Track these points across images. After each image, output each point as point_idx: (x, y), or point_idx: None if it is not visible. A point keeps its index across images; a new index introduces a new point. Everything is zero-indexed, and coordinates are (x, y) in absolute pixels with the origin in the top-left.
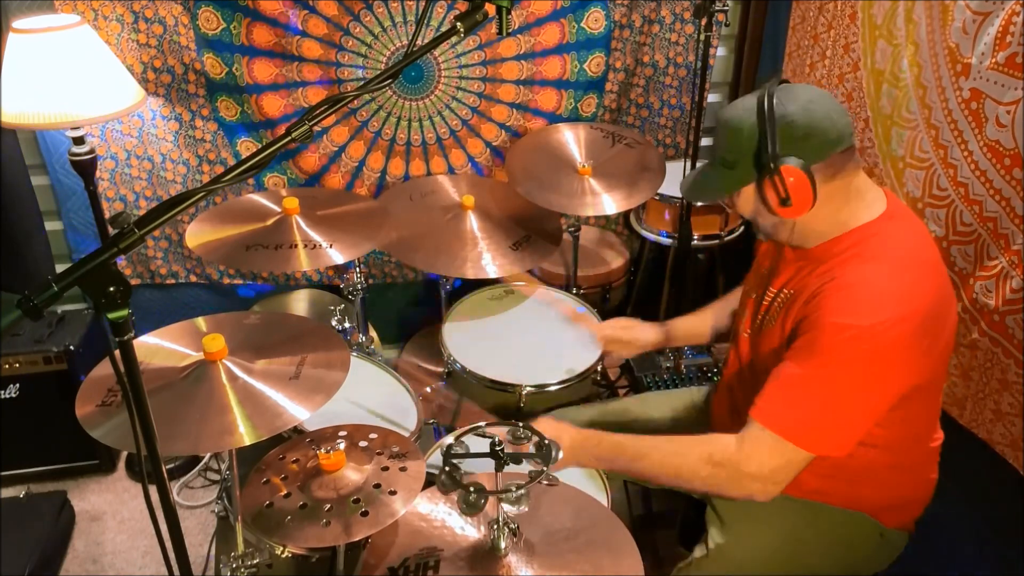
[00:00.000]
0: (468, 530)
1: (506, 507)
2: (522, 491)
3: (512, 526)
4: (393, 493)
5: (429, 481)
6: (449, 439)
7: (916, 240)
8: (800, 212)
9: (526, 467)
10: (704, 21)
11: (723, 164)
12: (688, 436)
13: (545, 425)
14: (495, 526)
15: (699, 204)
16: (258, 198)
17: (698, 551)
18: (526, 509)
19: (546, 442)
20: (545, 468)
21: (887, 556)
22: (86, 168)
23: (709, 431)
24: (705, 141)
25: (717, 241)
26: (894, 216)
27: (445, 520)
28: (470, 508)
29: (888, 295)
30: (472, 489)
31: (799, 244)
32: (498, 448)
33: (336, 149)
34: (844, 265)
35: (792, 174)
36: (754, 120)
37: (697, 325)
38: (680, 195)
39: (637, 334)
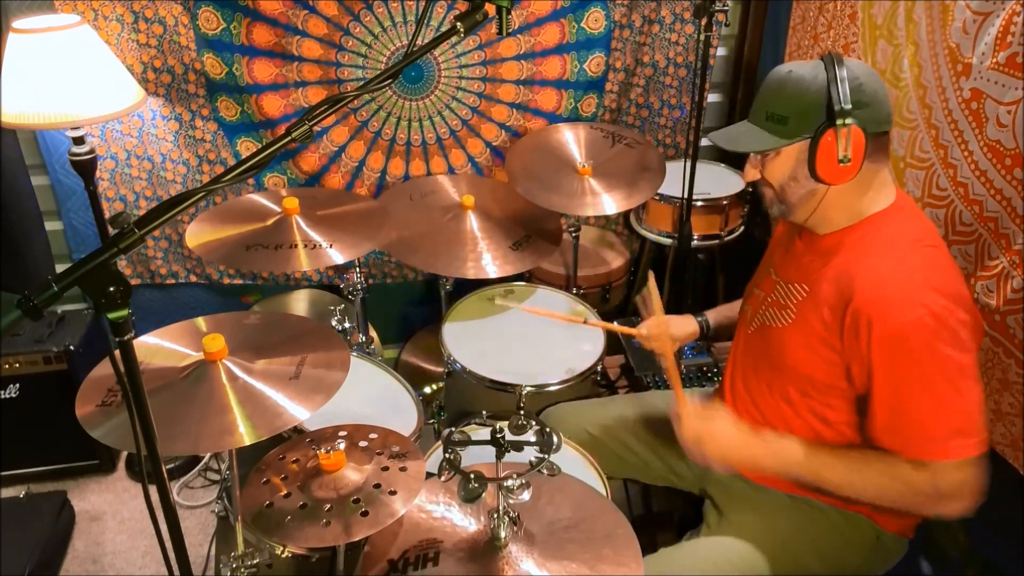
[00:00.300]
0: (468, 521)
1: (509, 499)
2: (522, 480)
3: (512, 515)
4: (393, 493)
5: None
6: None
7: (925, 230)
8: (844, 178)
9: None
10: (704, 21)
11: (771, 119)
12: (867, 454)
13: (698, 430)
14: (495, 516)
15: (698, 204)
16: (258, 198)
17: (689, 535)
18: (526, 499)
19: (547, 431)
20: (546, 457)
21: (883, 561)
22: (86, 168)
23: None
24: (705, 141)
25: (717, 241)
26: (903, 208)
27: (445, 512)
28: (470, 495)
29: (934, 275)
30: (472, 476)
31: (813, 228)
32: (499, 436)
33: (336, 149)
34: (868, 261)
35: (856, 134)
36: (823, 76)
37: (732, 313)
38: (720, 146)
39: (674, 330)
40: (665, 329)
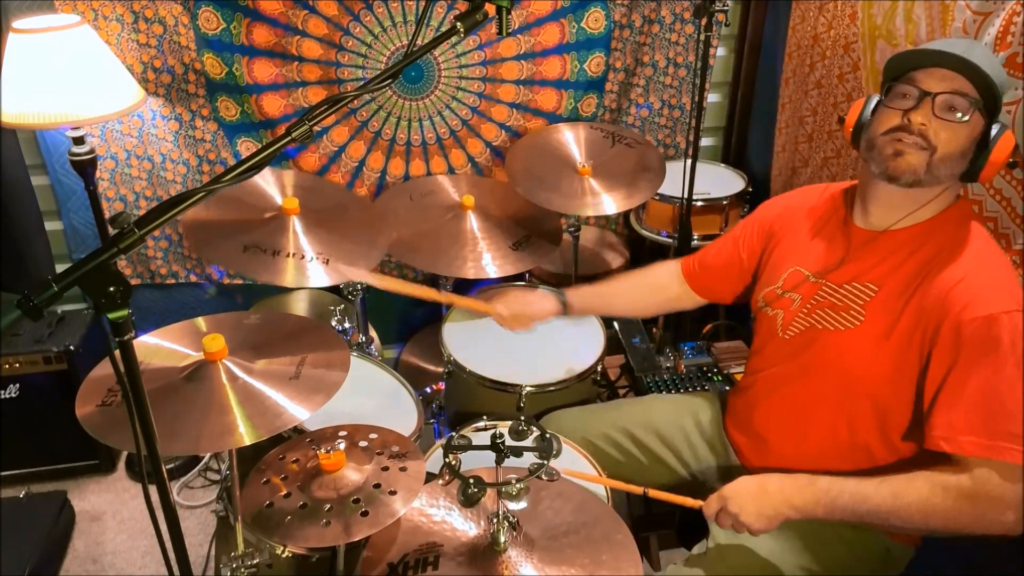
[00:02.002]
0: (468, 525)
1: (508, 504)
2: (521, 485)
3: (512, 520)
4: (393, 493)
5: (428, 480)
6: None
7: (983, 229)
8: (990, 178)
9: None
10: (704, 21)
11: (987, 87)
12: (905, 474)
13: (749, 485)
14: (495, 520)
15: (698, 204)
16: (260, 181)
17: (697, 549)
18: (525, 505)
19: (547, 436)
20: (545, 462)
21: (891, 571)
22: (86, 168)
23: (726, 436)
24: (705, 141)
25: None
26: (963, 205)
27: (445, 516)
28: (469, 500)
29: (1013, 279)
30: (471, 482)
31: (887, 220)
32: (499, 441)
33: (336, 149)
34: (953, 255)
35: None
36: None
37: (600, 299)
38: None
39: (535, 308)
40: (522, 308)
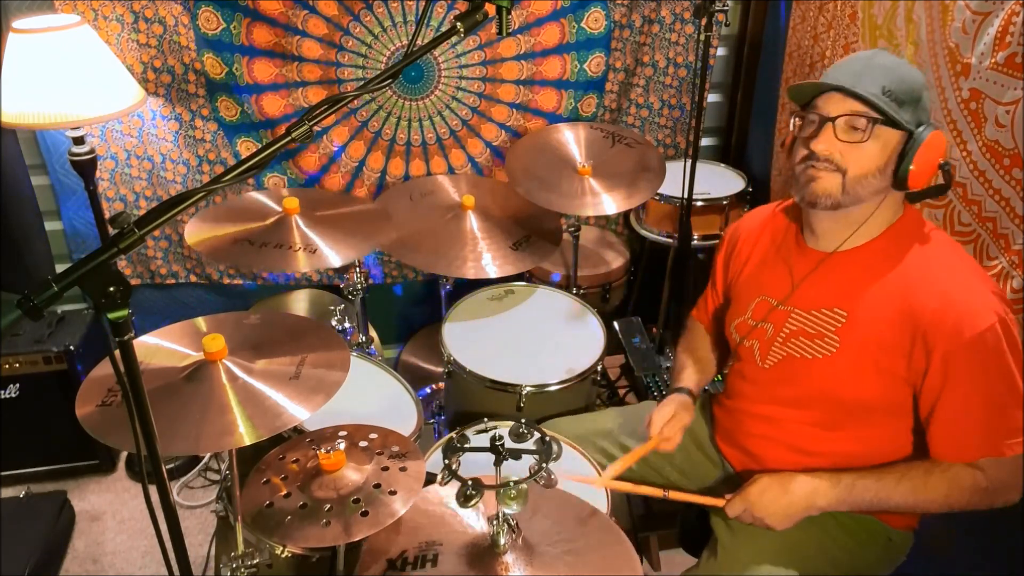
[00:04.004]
0: (468, 525)
1: (505, 508)
2: (521, 486)
3: (512, 522)
4: (393, 493)
5: (428, 480)
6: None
7: (941, 232)
8: (918, 184)
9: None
10: (704, 21)
11: (887, 95)
12: (922, 469)
13: (773, 488)
14: (495, 521)
15: (698, 204)
16: (258, 196)
17: (706, 555)
18: (519, 510)
19: (547, 439)
20: (544, 465)
21: (894, 559)
22: (86, 168)
23: (716, 447)
24: (705, 141)
25: (717, 241)
26: (912, 212)
27: (445, 514)
28: (465, 501)
29: (984, 283)
30: (470, 483)
31: (834, 242)
32: (498, 443)
33: (336, 149)
34: (918, 271)
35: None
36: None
37: (704, 376)
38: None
39: (686, 417)
40: (678, 425)
